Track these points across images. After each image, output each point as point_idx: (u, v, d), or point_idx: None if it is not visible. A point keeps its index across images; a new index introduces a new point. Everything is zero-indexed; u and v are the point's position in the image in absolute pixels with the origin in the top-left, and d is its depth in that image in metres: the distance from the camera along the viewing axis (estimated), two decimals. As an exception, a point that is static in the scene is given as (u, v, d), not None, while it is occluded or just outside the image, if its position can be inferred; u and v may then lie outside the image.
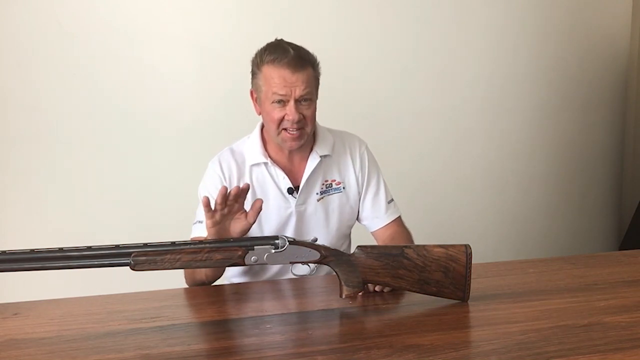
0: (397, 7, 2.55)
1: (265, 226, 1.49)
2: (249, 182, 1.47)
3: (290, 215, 1.51)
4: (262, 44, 1.45)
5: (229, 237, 1.23)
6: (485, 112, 2.76)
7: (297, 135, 1.43)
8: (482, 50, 2.71)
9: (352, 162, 1.58)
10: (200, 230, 1.43)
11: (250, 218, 1.23)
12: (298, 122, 1.41)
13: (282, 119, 1.41)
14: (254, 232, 1.48)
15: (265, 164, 1.50)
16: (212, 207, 1.20)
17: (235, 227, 1.24)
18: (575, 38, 2.90)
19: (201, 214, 1.46)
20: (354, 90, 2.51)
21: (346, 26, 2.49)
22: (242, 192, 1.22)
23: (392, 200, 1.62)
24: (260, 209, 1.23)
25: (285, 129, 1.43)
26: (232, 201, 1.21)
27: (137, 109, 2.30)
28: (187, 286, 1.41)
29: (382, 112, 2.58)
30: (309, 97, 1.42)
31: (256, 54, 1.45)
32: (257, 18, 2.36)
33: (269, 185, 1.50)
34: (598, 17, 2.98)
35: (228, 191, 1.19)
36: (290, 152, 1.50)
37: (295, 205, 1.51)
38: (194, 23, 2.33)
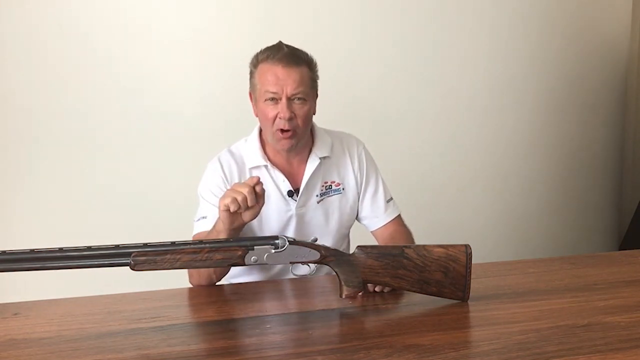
0: (397, 8, 2.55)
1: (265, 229, 1.48)
2: None
3: (290, 218, 1.50)
4: (262, 45, 1.46)
5: (229, 237, 1.23)
6: (485, 112, 2.76)
7: (289, 135, 1.42)
8: (482, 50, 2.71)
9: (351, 162, 1.58)
10: (204, 225, 1.42)
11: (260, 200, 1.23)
12: (290, 120, 1.40)
13: (275, 117, 1.41)
14: (253, 234, 1.48)
15: (265, 166, 1.50)
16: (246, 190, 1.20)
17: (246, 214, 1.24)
18: (575, 39, 2.90)
19: (204, 210, 1.46)
20: (353, 90, 2.51)
21: (346, 27, 2.49)
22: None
23: (391, 199, 1.62)
24: (263, 190, 1.23)
25: (278, 128, 1.42)
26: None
27: (138, 109, 2.30)
28: (187, 286, 1.40)
29: (381, 111, 2.58)
30: (302, 97, 1.41)
31: (254, 55, 1.46)
32: (257, 20, 2.36)
33: (269, 188, 1.48)
34: (598, 17, 2.98)
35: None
36: (289, 154, 1.50)
37: (296, 208, 1.50)
38: (194, 24, 2.33)
